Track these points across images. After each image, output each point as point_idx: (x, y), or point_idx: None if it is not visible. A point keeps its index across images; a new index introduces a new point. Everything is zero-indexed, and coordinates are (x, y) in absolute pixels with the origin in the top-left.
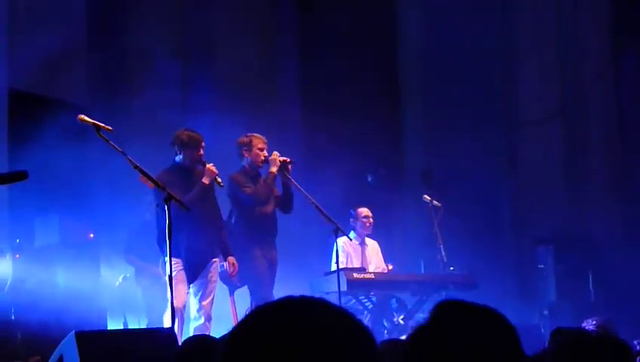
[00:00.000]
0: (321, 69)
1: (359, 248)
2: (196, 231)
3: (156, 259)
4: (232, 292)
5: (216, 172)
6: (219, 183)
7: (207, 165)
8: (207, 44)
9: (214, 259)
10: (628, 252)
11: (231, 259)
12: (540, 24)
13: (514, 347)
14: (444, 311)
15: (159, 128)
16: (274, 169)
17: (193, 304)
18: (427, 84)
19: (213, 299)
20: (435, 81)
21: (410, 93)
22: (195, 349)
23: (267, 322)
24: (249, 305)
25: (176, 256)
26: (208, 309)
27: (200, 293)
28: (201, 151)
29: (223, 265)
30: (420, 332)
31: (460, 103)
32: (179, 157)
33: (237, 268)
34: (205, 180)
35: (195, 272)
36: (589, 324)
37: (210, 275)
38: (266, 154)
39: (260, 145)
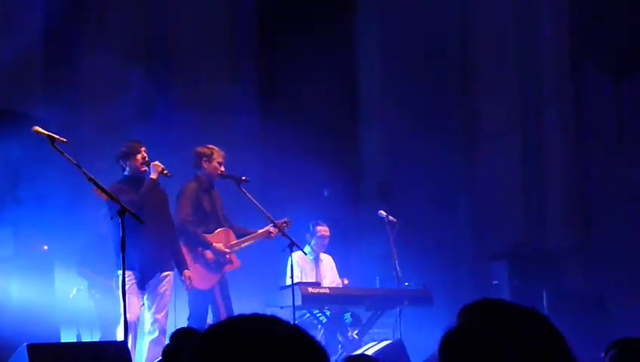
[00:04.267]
0: (279, 82)
1: (313, 263)
2: (148, 243)
3: (110, 271)
4: None
5: (162, 166)
6: (166, 175)
7: (153, 163)
8: (168, 55)
9: (166, 273)
10: (583, 268)
11: (187, 272)
12: (498, 37)
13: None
14: (481, 312)
15: (120, 140)
16: (154, 176)
17: (148, 318)
18: (386, 98)
19: (167, 312)
20: (394, 94)
21: (368, 106)
22: (184, 344)
23: (220, 341)
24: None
25: (129, 269)
26: (163, 323)
27: (154, 307)
28: (144, 154)
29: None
30: (455, 335)
31: (418, 117)
32: (126, 170)
33: (193, 282)
34: (153, 175)
35: (144, 282)
36: None
37: (163, 289)
38: (223, 169)
39: (219, 160)
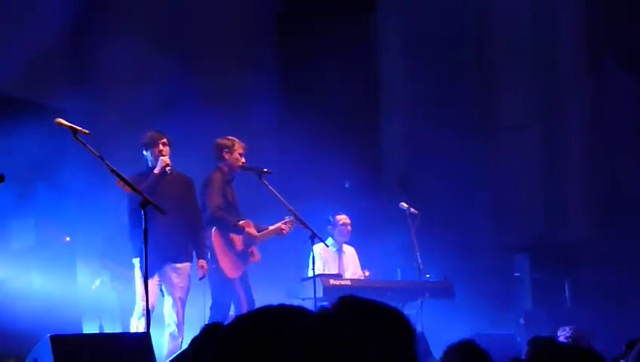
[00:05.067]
0: (299, 74)
1: (336, 255)
2: (160, 233)
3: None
4: None
5: (168, 162)
6: (168, 171)
7: (161, 157)
8: (188, 46)
9: (182, 264)
10: (604, 260)
11: (201, 261)
12: (517, 32)
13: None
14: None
15: (140, 130)
16: (157, 171)
17: (165, 310)
18: (406, 90)
19: (183, 304)
20: (415, 86)
21: (389, 98)
22: (212, 337)
23: (245, 333)
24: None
25: (140, 256)
26: (180, 315)
27: (171, 299)
28: (161, 147)
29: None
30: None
31: (439, 109)
32: (149, 162)
33: (206, 271)
34: (156, 170)
35: (154, 271)
36: (566, 332)
37: (178, 280)
38: (244, 160)
39: (240, 151)
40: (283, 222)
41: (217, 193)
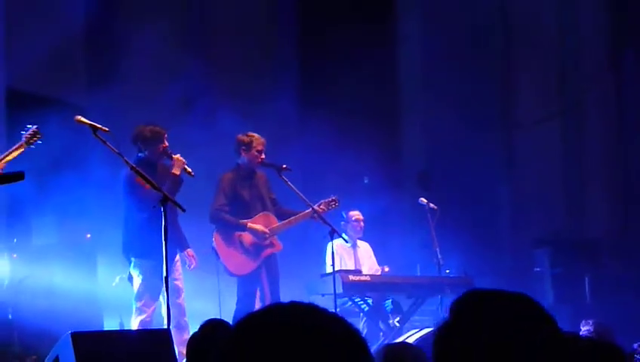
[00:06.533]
0: (319, 69)
1: (351, 251)
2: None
3: (156, 259)
4: None
5: (185, 161)
6: (189, 173)
7: (175, 156)
8: (207, 41)
9: (177, 257)
10: (624, 255)
11: (189, 251)
12: (539, 25)
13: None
14: (470, 302)
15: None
16: (177, 171)
17: (171, 303)
18: (426, 86)
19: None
20: (434, 82)
21: (408, 94)
22: (211, 333)
23: (257, 331)
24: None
25: (147, 257)
26: (183, 306)
27: (176, 293)
28: (166, 143)
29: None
30: (446, 328)
31: (458, 105)
32: (142, 153)
33: (197, 260)
34: (175, 171)
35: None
36: (588, 326)
37: (177, 273)
38: (264, 157)
39: (259, 148)
40: (322, 202)
41: (221, 195)
